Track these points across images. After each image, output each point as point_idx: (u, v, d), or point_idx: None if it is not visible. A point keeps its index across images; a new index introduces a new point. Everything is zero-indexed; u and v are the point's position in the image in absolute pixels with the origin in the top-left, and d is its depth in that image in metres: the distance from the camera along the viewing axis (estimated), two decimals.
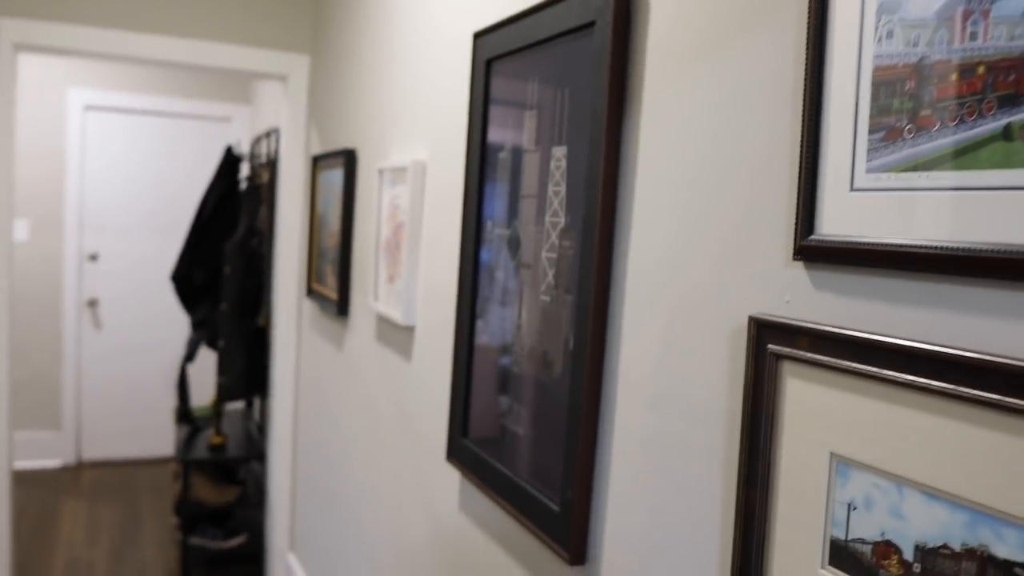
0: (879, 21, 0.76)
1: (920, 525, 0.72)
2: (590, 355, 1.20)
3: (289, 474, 3.46)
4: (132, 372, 5.31)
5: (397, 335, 2.14)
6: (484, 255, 1.58)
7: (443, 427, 1.79)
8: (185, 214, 5.26)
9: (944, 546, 0.70)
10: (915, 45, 0.73)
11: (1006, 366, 0.64)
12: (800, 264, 0.86)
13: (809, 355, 0.82)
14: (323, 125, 3.10)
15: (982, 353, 0.66)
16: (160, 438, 5.38)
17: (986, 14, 0.67)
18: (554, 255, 1.31)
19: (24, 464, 5.04)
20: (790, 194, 0.87)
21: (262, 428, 3.92)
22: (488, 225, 1.56)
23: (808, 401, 0.83)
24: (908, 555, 0.73)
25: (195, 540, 3.75)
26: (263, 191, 3.67)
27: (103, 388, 5.25)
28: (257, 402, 4.22)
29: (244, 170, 4.21)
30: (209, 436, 3.81)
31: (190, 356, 3.96)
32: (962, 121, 0.69)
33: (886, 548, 0.75)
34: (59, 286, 5.10)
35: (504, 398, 1.48)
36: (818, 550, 0.82)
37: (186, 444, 3.76)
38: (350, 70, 2.73)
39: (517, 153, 1.45)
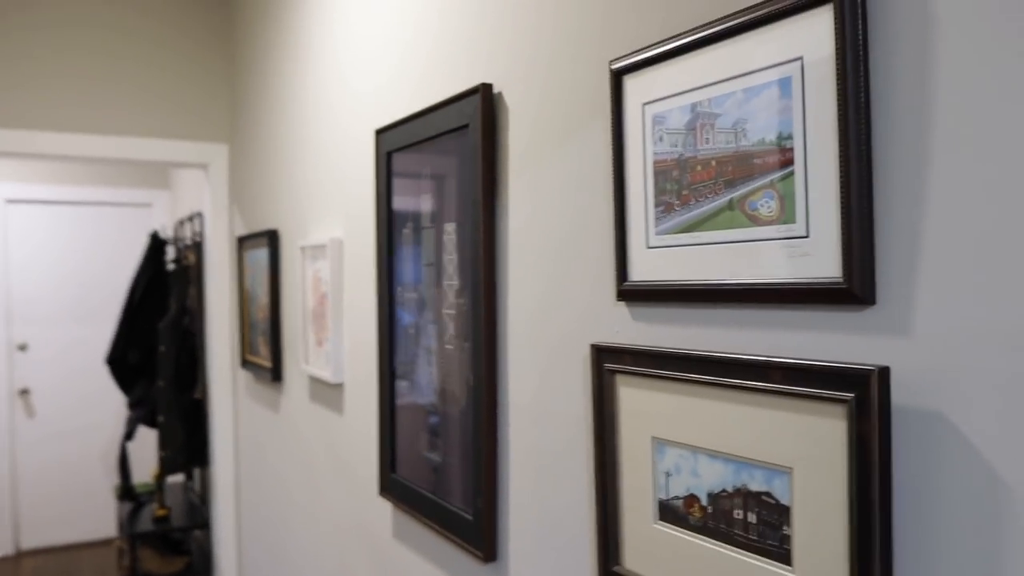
0: (654, 130, 1.09)
1: (708, 478, 1.03)
2: (486, 389, 1.50)
3: (235, 536, 3.64)
4: (67, 457, 5.39)
5: (329, 392, 2.40)
6: (397, 315, 1.87)
7: (375, 467, 2.06)
8: (111, 299, 5.41)
9: (723, 490, 1.01)
10: (675, 146, 1.06)
11: (742, 360, 0.96)
12: (622, 303, 1.18)
13: (631, 368, 1.13)
14: (245, 208, 3.37)
15: (729, 352, 0.98)
16: (99, 520, 5.45)
17: (712, 127, 1.00)
18: (453, 311, 1.61)
19: None
20: (613, 253, 1.19)
21: (204, 497, 4.09)
22: (399, 290, 1.86)
23: (634, 401, 1.14)
24: (704, 501, 1.04)
25: None
26: (191, 272, 3.89)
27: (39, 475, 5.32)
28: (197, 473, 4.38)
29: (170, 253, 4.43)
30: (153, 510, 3.97)
31: (129, 434, 4.11)
32: (706, 197, 1.02)
33: (691, 500, 1.06)
34: None
35: (423, 433, 1.76)
36: (651, 510, 1.12)
37: (130, 519, 3.91)
38: (268, 157, 3.02)
39: (417, 229, 1.76)
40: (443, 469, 1.67)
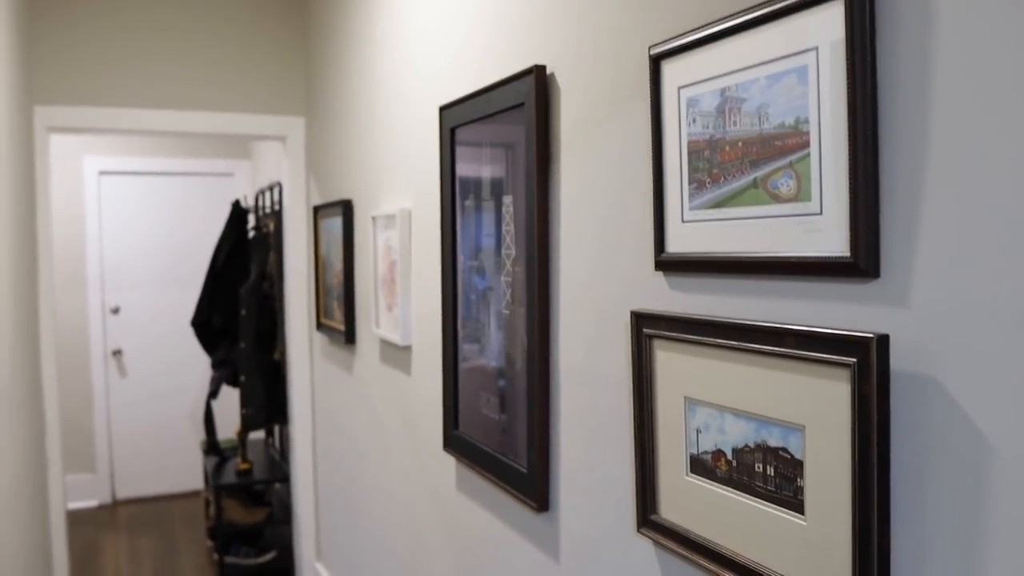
0: (688, 113, 1.17)
1: (733, 435, 1.12)
2: (539, 351, 1.60)
3: (312, 491, 3.85)
4: (157, 415, 5.71)
5: (398, 354, 2.54)
6: (460, 281, 1.98)
7: (439, 425, 2.19)
8: (198, 265, 5.68)
9: (746, 446, 1.10)
10: (707, 128, 1.14)
11: (761, 327, 1.05)
12: (660, 273, 1.27)
13: (667, 333, 1.23)
14: (321, 178, 3.52)
15: (751, 320, 1.07)
16: (187, 474, 5.77)
17: (739, 110, 1.08)
18: (510, 279, 1.72)
19: None
20: (652, 226, 1.28)
21: (283, 453, 4.31)
22: (461, 259, 1.97)
23: (669, 364, 1.23)
24: (729, 456, 1.13)
25: (230, 559, 4.14)
26: (270, 239, 4.08)
27: (132, 431, 5.65)
28: (277, 430, 4.62)
29: (251, 221, 4.63)
30: (236, 464, 4.21)
31: (213, 393, 4.36)
32: (733, 176, 1.10)
33: (718, 454, 1.15)
34: (86, 339, 5.52)
35: (482, 392, 1.88)
36: (683, 463, 1.22)
37: (215, 472, 4.16)
38: (342, 130, 3.16)
39: (478, 200, 1.86)
40: (500, 426, 1.79)
